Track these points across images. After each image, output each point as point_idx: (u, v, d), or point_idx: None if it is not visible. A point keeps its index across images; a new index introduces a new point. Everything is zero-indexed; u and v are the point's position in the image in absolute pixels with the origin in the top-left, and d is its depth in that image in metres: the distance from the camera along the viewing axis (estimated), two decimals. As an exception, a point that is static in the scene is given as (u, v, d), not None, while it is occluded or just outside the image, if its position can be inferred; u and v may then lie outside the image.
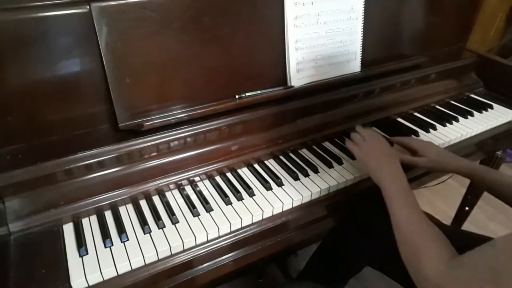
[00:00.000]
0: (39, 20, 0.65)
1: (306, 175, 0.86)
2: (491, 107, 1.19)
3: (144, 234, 0.69)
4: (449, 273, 0.54)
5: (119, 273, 0.64)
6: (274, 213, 0.77)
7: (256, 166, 0.88)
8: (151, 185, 0.78)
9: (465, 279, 0.52)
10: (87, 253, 0.65)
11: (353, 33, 0.97)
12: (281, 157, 0.92)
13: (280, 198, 0.79)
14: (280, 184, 0.82)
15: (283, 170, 0.87)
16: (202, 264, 0.72)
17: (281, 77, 0.92)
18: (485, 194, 1.47)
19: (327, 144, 0.98)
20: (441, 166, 0.86)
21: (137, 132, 0.76)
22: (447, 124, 1.09)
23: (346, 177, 0.86)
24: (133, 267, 0.65)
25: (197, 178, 0.83)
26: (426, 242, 0.61)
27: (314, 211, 0.82)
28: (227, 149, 0.86)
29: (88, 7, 0.67)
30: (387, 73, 1.06)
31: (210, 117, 0.82)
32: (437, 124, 1.08)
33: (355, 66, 1.01)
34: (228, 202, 0.77)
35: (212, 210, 0.75)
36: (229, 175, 0.85)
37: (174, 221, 0.72)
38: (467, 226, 1.61)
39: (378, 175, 0.76)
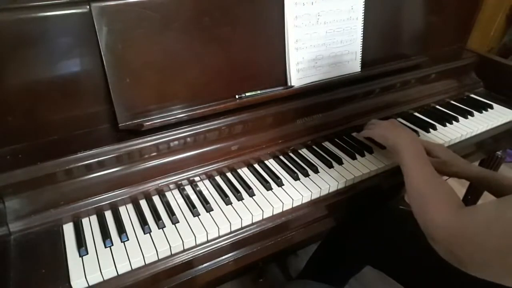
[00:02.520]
0: (39, 20, 0.65)
1: (306, 175, 0.86)
2: (491, 107, 1.19)
3: (144, 234, 0.69)
4: (456, 220, 0.56)
5: (119, 273, 0.64)
6: (274, 213, 0.77)
7: (256, 166, 0.88)
8: (151, 185, 0.78)
9: (472, 224, 0.54)
10: (87, 253, 0.65)
11: (353, 33, 0.97)
12: (281, 157, 0.92)
13: (280, 198, 0.79)
14: (280, 184, 0.82)
15: (283, 170, 0.87)
16: (202, 264, 0.72)
17: (281, 77, 0.92)
18: (485, 194, 1.48)
19: (327, 144, 0.98)
20: (452, 169, 0.87)
21: (137, 132, 0.76)
22: (447, 124, 1.09)
23: (346, 177, 0.86)
24: (133, 267, 0.65)
25: (197, 178, 0.83)
26: (434, 192, 0.64)
27: (314, 211, 0.82)
28: (227, 149, 0.86)
29: (88, 7, 0.67)
30: (387, 73, 1.06)
31: (210, 117, 0.82)
32: (437, 124, 1.08)
33: (355, 66, 1.01)
34: (228, 202, 0.77)
35: (212, 210, 0.75)
36: (229, 175, 0.85)
37: (174, 221, 0.72)
38: (467, 226, 1.61)
39: (396, 140, 0.79)
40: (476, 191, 1.46)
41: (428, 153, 0.87)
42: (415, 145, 0.77)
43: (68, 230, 0.70)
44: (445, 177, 1.46)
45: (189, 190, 0.80)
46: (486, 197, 1.49)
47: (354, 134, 1.02)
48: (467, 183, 1.47)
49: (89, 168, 0.72)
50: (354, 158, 0.92)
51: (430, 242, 0.61)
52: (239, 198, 0.78)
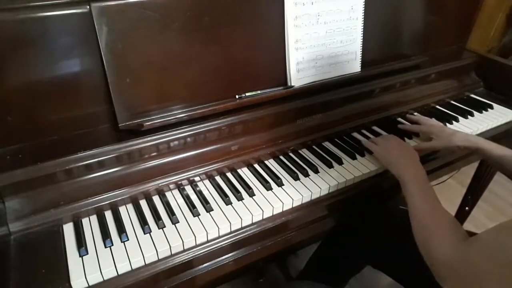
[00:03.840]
0: (39, 20, 0.65)
1: (306, 175, 0.86)
2: (491, 107, 1.19)
3: (144, 234, 0.69)
4: (460, 254, 0.56)
5: (119, 273, 0.64)
6: (274, 213, 0.77)
7: (256, 166, 0.88)
8: (151, 185, 0.78)
9: (475, 259, 0.53)
10: (87, 253, 0.65)
11: (353, 33, 0.97)
12: (281, 157, 0.92)
13: (280, 198, 0.79)
14: (280, 184, 0.82)
15: (283, 170, 0.87)
16: (202, 264, 0.72)
17: (281, 77, 0.92)
18: (485, 194, 1.48)
19: (327, 144, 0.98)
20: (453, 144, 0.91)
21: (137, 132, 0.76)
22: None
23: (346, 177, 0.86)
24: (133, 267, 0.65)
25: (197, 178, 0.83)
26: (438, 225, 0.64)
27: (314, 211, 0.82)
28: (227, 149, 0.86)
29: (88, 7, 0.67)
30: (387, 73, 1.06)
31: (210, 117, 0.82)
32: (437, 124, 1.07)
33: (355, 66, 1.01)
34: (228, 202, 0.77)
35: (212, 210, 0.75)
36: (229, 175, 0.85)
37: (174, 221, 0.72)
38: (467, 226, 1.61)
39: (398, 167, 0.79)
40: (476, 191, 1.46)
41: (429, 138, 0.96)
42: (418, 174, 0.77)
43: (68, 230, 0.70)
44: (445, 177, 1.47)
45: (189, 190, 0.80)
46: (486, 197, 1.49)
47: (354, 134, 1.02)
48: (467, 183, 1.47)
49: (89, 168, 0.72)
50: (354, 158, 0.92)
51: (437, 280, 0.60)
52: (239, 198, 0.78)
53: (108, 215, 0.73)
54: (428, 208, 0.69)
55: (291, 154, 0.93)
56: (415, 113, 1.13)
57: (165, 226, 0.71)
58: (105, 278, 0.63)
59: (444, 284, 0.59)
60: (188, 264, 0.70)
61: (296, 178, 0.84)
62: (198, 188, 0.81)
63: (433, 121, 1.04)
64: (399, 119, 1.11)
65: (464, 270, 0.54)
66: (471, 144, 0.89)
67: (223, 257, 0.74)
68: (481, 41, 2.09)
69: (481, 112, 1.16)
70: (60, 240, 0.67)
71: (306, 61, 0.92)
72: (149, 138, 0.76)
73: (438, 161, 1.01)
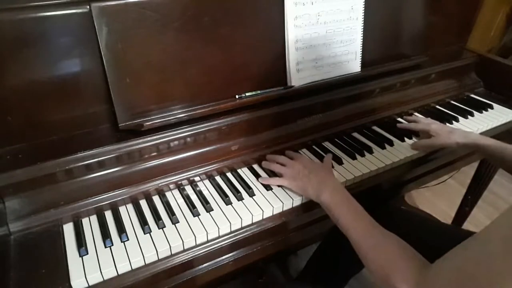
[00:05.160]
0: (39, 20, 0.65)
1: (306, 175, 0.86)
2: (491, 107, 1.19)
3: (144, 234, 0.69)
4: (423, 286, 0.53)
5: (119, 273, 0.64)
6: (274, 213, 0.77)
7: (256, 166, 0.88)
8: (151, 185, 0.78)
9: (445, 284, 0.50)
10: (87, 253, 0.65)
11: (353, 33, 0.97)
12: (281, 157, 0.92)
13: (280, 198, 0.79)
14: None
15: (283, 170, 0.87)
16: (202, 264, 0.72)
17: (281, 77, 0.92)
18: (485, 194, 1.48)
19: (327, 144, 0.98)
20: (453, 141, 0.91)
21: (137, 132, 0.76)
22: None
23: (346, 177, 0.86)
24: (133, 267, 0.65)
25: (197, 178, 0.83)
26: (394, 259, 0.59)
27: (314, 211, 0.82)
28: (227, 149, 0.86)
29: (88, 7, 0.67)
30: (387, 73, 1.06)
31: (210, 117, 0.82)
32: (437, 124, 1.07)
33: (355, 66, 1.01)
34: (228, 202, 0.77)
35: (212, 210, 0.75)
36: (229, 175, 0.85)
37: (174, 221, 0.72)
38: (467, 226, 1.61)
39: (320, 196, 0.74)
40: (476, 191, 1.46)
41: (428, 136, 0.95)
42: (340, 194, 0.72)
43: (68, 230, 0.70)
44: (445, 177, 1.47)
45: (189, 190, 0.80)
46: (486, 197, 1.49)
47: (354, 134, 1.02)
48: (467, 183, 1.47)
49: (89, 168, 0.72)
50: (354, 158, 0.92)
51: None
52: (239, 198, 0.78)
53: (108, 215, 0.73)
54: (373, 239, 0.64)
55: (291, 154, 0.92)
56: (415, 113, 1.13)
57: (165, 226, 0.71)
58: (105, 278, 0.63)
59: None
60: (188, 264, 0.70)
61: (296, 178, 0.84)
62: (198, 188, 0.81)
63: (432, 120, 1.04)
64: (399, 119, 1.11)
65: None
66: (470, 141, 0.89)
67: (223, 257, 0.74)
68: (481, 41, 2.09)
69: (481, 112, 1.16)
70: (60, 240, 0.67)
71: (306, 61, 0.92)
72: (149, 138, 0.76)
73: (438, 161, 1.01)
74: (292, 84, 0.92)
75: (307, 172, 0.79)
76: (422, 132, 1.00)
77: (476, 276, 0.46)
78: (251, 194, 0.79)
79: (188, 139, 0.81)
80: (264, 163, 0.87)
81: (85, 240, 0.67)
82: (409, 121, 1.07)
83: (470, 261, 0.48)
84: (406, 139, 1.00)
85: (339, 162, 0.90)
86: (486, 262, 0.46)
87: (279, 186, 0.82)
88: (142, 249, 0.66)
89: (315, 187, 0.75)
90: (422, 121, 1.03)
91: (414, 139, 1.01)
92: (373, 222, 0.67)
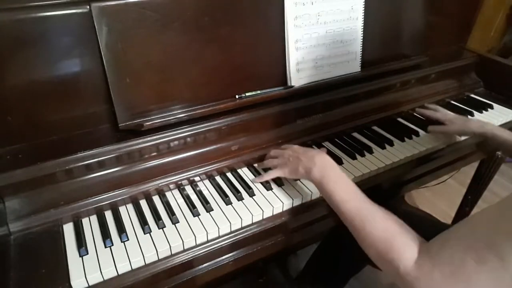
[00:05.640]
0: (39, 20, 0.65)
1: (306, 175, 0.86)
2: (491, 107, 1.19)
3: (144, 234, 0.69)
4: (428, 262, 0.51)
5: (119, 273, 0.64)
6: (274, 213, 0.77)
7: (256, 166, 0.88)
8: (151, 185, 0.78)
9: (440, 265, 0.49)
10: (87, 253, 0.65)
11: (353, 33, 0.97)
12: (281, 157, 0.91)
13: (280, 198, 0.79)
14: (280, 184, 0.82)
15: (283, 170, 0.87)
16: (202, 264, 0.72)
17: (281, 77, 0.92)
18: (485, 194, 1.48)
19: (327, 144, 0.98)
20: (469, 129, 0.94)
21: (137, 132, 0.76)
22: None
23: (346, 177, 0.86)
24: (133, 267, 0.65)
25: (197, 178, 0.83)
26: (392, 237, 0.57)
27: (314, 211, 0.82)
28: (227, 149, 0.86)
29: (88, 7, 0.67)
30: (387, 73, 1.06)
31: (210, 117, 0.82)
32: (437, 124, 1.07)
33: (355, 66, 1.01)
34: (228, 202, 0.77)
35: (212, 210, 0.75)
36: (229, 175, 0.85)
37: (174, 221, 0.72)
38: (467, 226, 1.61)
39: (311, 176, 0.73)
40: (476, 191, 1.46)
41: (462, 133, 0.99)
42: (333, 173, 0.71)
43: (68, 230, 0.70)
44: (445, 177, 1.47)
45: (189, 190, 0.80)
46: (486, 197, 1.49)
47: (354, 134, 1.02)
48: (467, 183, 1.47)
49: (89, 168, 0.72)
50: (354, 158, 0.92)
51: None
52: (239, 198, 0.78)
53: (108, 215, 0.73)
54: (370, 217, 0.61)
55: (291, 154, 0.92)
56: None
57: (165, 226, 0.71)
58: (105, 278, 0.63)
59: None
60: (188, 264, 0.70)
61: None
62: (198, 188, 0.81)
63: (449, 112, 1.09)
64: (399, 119, 1.11)
65: (444, 278, 0.49)
66: (486, 130, 0.92)
67: (223, 257, 0.74)
68: (481, 41, 2.09)
69: (481, 112, 1.16)
70: (60, 240, 0.67)
71: (306, 61, 0.92)
72: (149, 138, 0.76)
73: (438, 161, 1.01)
74: (292, 84, 0.92)
75: (297, 155, 0.78)
76: (437, 120, 1.03)
77: (476, 241, 0.47)
78: (251, 194, 0.79)
79: (188, 139, 0.81)
80: (259, 164, 0.88)
81: (85, 240, 0.67)
82: (429, 109, 1.11)
83: (470, 230, 0.49)
84: (406, 139, 1.00)
85: (339, 162, 0.90)
86: (485, 226, 0.47)
87: (274, 179, 0.82)
88: (142, 249, 0.66)
89: (306, 165, 0.74)
90: (440, 111, 1.08)
91: (414, 139, 1.01)
92: (366, 197, 0.65)
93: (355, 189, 0.67)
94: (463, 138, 1.03)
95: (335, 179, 0.70)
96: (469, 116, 1.13)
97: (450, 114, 1.05)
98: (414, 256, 0.53)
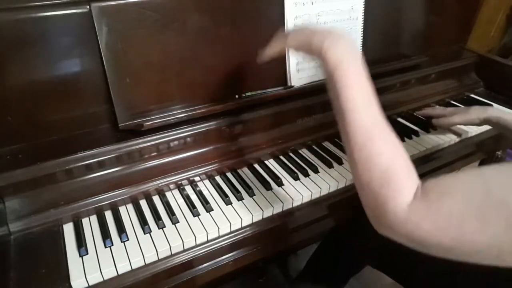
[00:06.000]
0: (39, 20, 0.65)
1: (306, 175, 0.86)
2: (491, 107, 1.19)
3: (144, 234, 0.69)
4: (415, 209, 0.45)
5: (119, 273, 0.64)
6: (274, 213, 0.77)
7: (256, 166, 0.88)
8: (151, 185, 0.78)
9: (434, 214, 0.44)
10: (87, 253, 0.65)
11: (353, 33, 0.97)
12: (281, 157, 0.92)
13: (280, 198, 0.79)
14: (280, 184, 0.82)
15: (283, 170, 0.87)
16: (202, 264, 0.72)
17: (281, 77, 0.92)
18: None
19: (327, 144, 0.98)
20: (474, 116, 0.93)
21: (137, 132, 0.76)
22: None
23: (346, 177, 0.86)
24: (133, 267, 0.65)
25: (197, 178, 0.83)
26: (397, 167, 0.48)
27: (314, 211, 0.82)
28: (227, 149, 0.86)
29: (88, 7, 0.67)
30: (387, 73, 1.06)
31: (210, 117, 0.82)
32: (437, 124, 1.08)
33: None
34: (228, 202, 0.77)
35: (212, 210, 0.75)
36: (229, 175, 0.85)
37: (174, 221, 0.72)
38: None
39: (328, 52, 0.54)
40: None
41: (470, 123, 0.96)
42: (355, 62, 0.55)
43: (68, 230, 0.70)
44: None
45: (189, 190, 0.80)
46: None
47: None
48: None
49: (89, 168, 0.72)
50: (354, 158, 0.92)
51: (379, 229, 0.49)
52: (239, 198, 0.78)
53: (108, 215, 0.73)
54: (378, 132, 0.49)
55: (291, 154, 0.92)
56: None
57: (165, 226, 0.71)
58: (105, 278, 0.63)
59: (388, 233, 0.48)
60: (188, 264, 0.70)
61: (296, 178, 0.84)
62: (198, 188, 0.81)
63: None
64: (399, 119, 1.11)
65: (438, 222, 0.43)
66: (490, 115, 0.91)
67: (223, 257, 0.74)
68: (481, 41, 2.09)
69: (481, 112, 1.16)
70: (60, 240, 0.67)
71: (306, 61, 0.92)
72: (149, 138, 0.76)
73: (438, 161, 1.01)
74: (292, 84, 0.92)
75: (313, 28, 0.59)
76: (440, 116, 1.03)
77: (486, 198, 0.41)
78: (251, 194, 0.79)
79: (188, 139, 0.81)
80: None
81: (85, 240, 0.67)
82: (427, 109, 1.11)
83: (481, 184, 0.43)
84: (406, 139, 1.00)
85: (339, 162, 0.90)
86: (500, 184, 0.42)
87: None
88: (142, 249, 0.66)
89: (325, 36, 0.54)
90: (439, 107, 1.08)
91: (414, 139, 1.01)
92: (381, 113, 0.52)
93: (372, 97, 0.53)
94: (463, 138, 1.03)
95: (354, 76, 0.53)
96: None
97: (450, 108, 1.05)
98: (409, 198, 0.45)
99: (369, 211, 0.50)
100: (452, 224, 0.42)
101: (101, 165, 0.73)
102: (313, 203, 0.82)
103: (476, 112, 0.94)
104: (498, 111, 0.93)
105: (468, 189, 0.44)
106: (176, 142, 0.80)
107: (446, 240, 0.43)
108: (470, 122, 0.97)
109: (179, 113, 0.80)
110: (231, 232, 0.73)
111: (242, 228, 0.74)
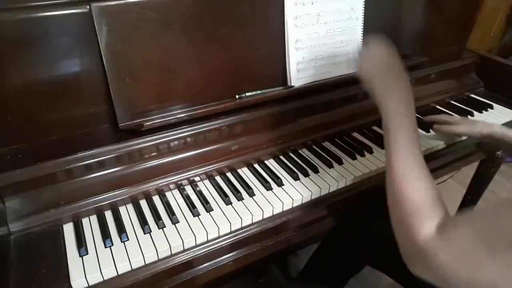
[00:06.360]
0: (39, 20, 0.65)
1: (306, 175, 0.86)
2: (491, 107, 1.19)
3: (144, 234, 0.69)
4: (435, 239, 0.50)
5: (119, 273, 0.64)
6: (274, 213, 0.77)
7: (256, 166, 0.88)
8: (151, 185, 0.78)
9: (452, 245, 0.48)
10: (87, 253, 0.65)
11: (353, 33, 0.97)
12: (281, 157, 0.92)
13: (280, 198, 0.79)
14: (280, 184, 0.82)
15: (283, 170, 0.87)
16: (202, 264, 0.72)
17: (281, 77, 0.92)
18: (485, 194, 1.48)
19: (327, 144, 0.98)
20: (477, 129, 0.93)
21: (137, 132, 0.76)
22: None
23: (346, 177, 0.86)
24: (133, 267, 0.65)
25: (197, 178, 0.83)
26: (425, 202, 0.54)
27: (314, 211, 0.82)
28: (227, 149, 0.86)
29: (88, 7, 0.67)
30: (387, 73, 1.06)
31: (210, 117, 0.82)
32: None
33: (355, 66, 1.01)
34: (228, 202, 0.77)
35: (212, 210, 0.75)
36: (229, 175, 0.85)
37: (174, 221, 0.72)
38: (467, 226, 1.61)
39: (383, 99, 0.66)
40: (476, 191, 1.46)
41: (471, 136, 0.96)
42: (404, 116, 0.63)
43: (68, 230, 0.70)
44: (445, 177, 1.47)
45: (189, 190, 0.80)
46: (486, 197, 1.49)
47: (354, 134, 1.02)
48: (467, 183, 1.47)
49: (89, 168, 0.72)
50: (354, 158, 0.92)
51: (408, 263, 0.54)
52: (239, 198, 0.78)
53: (108, 215, 0.73)
54: (414, 173, 0.57)
55: (291, 154, 0.93)
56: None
57: (165, 226, 0.71)
58: (105, 278, 0.63)
59: (416, 268, 0.53)
60: (188, 264, 0.70)
61: (296, 178, 0.84)
62: (198, 188, 0.81)
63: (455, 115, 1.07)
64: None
65: (456, 257, 0.47)
66: (494, 131, 0.91)
67: (223, 257, 0.74)
68: (481, 41, 2.09)
69: (481, 112, 1.16)
70: (60, 240, 0.67)
71: (306, 61, 0.92)
72: (149, 138, 0.76)
73: (438, 161, 1.01)
74: (292, 84, 0.92)
75: (380, 65, 0.70)
76: (444, 122, 1.01)
77: (494, 231, 0.45)
78: (251, 194, 0.79)
79: (188, 139, 0.81)
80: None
81: (85, 240, 0.67)
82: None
83: (491, 219, 0.47)
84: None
85: (339, 162, 0.90)
86: (506, 221, 0.45)
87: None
88: (142, 249, 0.66)
89: (381, 84, 0.66)
90: (446, 114, 1.07)
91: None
92: (422, 158, 0.59)
93: (416, 146, 0.60)
94: (463, 138, 1.03)
95: (407, 121, 0.62)
96: (469, 116, 1.13)
97: (456, 116, 1.04)
98: (431, 230, 0.51)
99: (401, 245, 0.55)
100: (464, 254, 0.46)
101: (101, 165, 0.73)
102: (313, 203, 0.82)
103: (481, 127, 0.93)
104: (502, 128, 0.92)
105: (480, 221, 0.48)
106: (176, 142, 0.80)
107: (462, 271, 0.46)
108: (472, 134, 0.96)
109: (179, 113, 0.80)
110: (231, 232, 0.73)
111: (242, 228, 0.74)
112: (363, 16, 0.96)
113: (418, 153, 0.59)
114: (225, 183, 0.83)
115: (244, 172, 0.87)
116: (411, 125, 0.62)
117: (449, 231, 0.49)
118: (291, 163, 0.89)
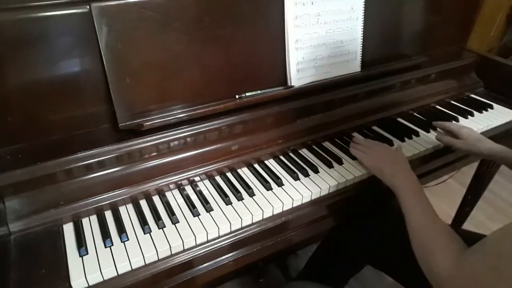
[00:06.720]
0: (39, 20, 0.65)
1: (306, 175, 0.86)
2: (491, 107, 1.19)
3: (144, 234, 0.69)
4: (462, 268, 0.58)
5: (119, 273, 0.64)
6: (274, 213, 0.77)
7: (256, 166, 0.88)
8: (151, 185, 0.78)
9: (478, 272, 0.55)
10: (87, 253, 0.65)
11: (353, 33, 0.97)
12: (281, 157, 0.92)
13: (280, 198, 0.79)
14: (280, 184, 0.82)
15: (283, 170, 0.87)
16: (202, 264, 0.72)
17: (281, 77, 0.92)
18: (485, 194, 1.48)
19: (327, 144, 0.98)
20: (477, 150, 0.92)
21: (137, 132, 0.76)
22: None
23: (346, 177, 0.86)
24: (133, 267, 0.65)
25: (197, 178, 0.83)
26: (437, 241, 0.66)
27: (314, 211, 0.82)
28: (227, 149, 0.86)
29: (88, 7, 0.67)
30: (387, 73, 1.06)
31: (210, 117, 0.82)
32: (437, 124, 1.07)
33: (355, 66, 1.01)
34: (228, 202, 0.77)
35: (212, 210, 0.75)
36: (229, 175, 0.85)
37: (174, 221, 0.72)
38: (467, 226, 1.61)
39: (392, 177, 0.80)
40: (476, 191, 1.46)
41: (455, 136, 0.96)
42: (413, 183, 0.78)
43: (68, 230, 0.70)
44: (445, 177, 1.46)
45: (189, 190, 0.80)
46: (486, 197, 1.49)
47: (354, 134, 1.02)
48: (467, 183, 1.47)
49: (89, 168, 0.72)
50: (354, 158, 0.92)
51: None
52: (239, 198, 0.78)
53: (108, 215, 0.73)
54: (427, 223, 0.70)
55: (291, 154, 0.93)
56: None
57: (165, 226, 0.71)
58: (105, 278, 0.63)
59: None
60: (188, 264, 0.70)
61: (296, 178, 0.84)
62: (198, 188, 0.81)
63: (463, 125, 1.04)
64: (399, 119, 1.11)
65: (468, 284, 0.56)
66: (496, 153, 0.89)
67: (223, 257, 0.74)
68: (481, 41, 2.09)
69: (481, 112, 1.16)
70: (60, 240, 0.67)
71: (306, 61, 0.92)
72: (149, 138, 0.76)
73: (438, 161, 1.01)
74: (292, 84, 0.92)
75: (386, 157, 0.86)
76: (451, 131, 0.99)
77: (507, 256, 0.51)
78: (251, 194, 0.79)
79: (188, 139, 0.81)
80: (352, 145, 0.93)
81: (85, 240, 0.67)
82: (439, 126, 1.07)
83: (502, 242, 0.54)
84: (406, 139, 1.00)
85: (339, 162, 0.90)
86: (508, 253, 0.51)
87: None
88: (142, 249, 0.66)
89: (391, 172, 0.81)
90: (454, 123, 1.05)
91: (414, 139, 1.01)
92: (433, 212, 0.72)
93: (425, 203, 0.73)
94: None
95: (411, 196, 0.75)
96: (469, 117, 1.13)
97: (464, 128, 0.98)
98: (447, 263, 0.61)
99: (429, 279, 0.65)
100: (476, 281, 0.54)
101: (101, 165, 0.73)
102: (313, 203, 0.82)
103: (484, 148, 0.91)
104: (506, 149, 0.89)
105: (487, 248, 0.56)
106: (176, 142, 0.80)
107: None
108: (473, 153, 0.94)
109: (179, 113, 0.80)
110: (231, 232, 0.73)
111: (242, 228, 0.74)
112: (363, 16, 0.96)
113: (426, 202, 0.73)
114: (225, 183, 0.83)
115: (244, 172, 0.87)
116: (419, 193, 0.76)
117: (460, 262, 0.59)
118: (291, 163, 0.89)
